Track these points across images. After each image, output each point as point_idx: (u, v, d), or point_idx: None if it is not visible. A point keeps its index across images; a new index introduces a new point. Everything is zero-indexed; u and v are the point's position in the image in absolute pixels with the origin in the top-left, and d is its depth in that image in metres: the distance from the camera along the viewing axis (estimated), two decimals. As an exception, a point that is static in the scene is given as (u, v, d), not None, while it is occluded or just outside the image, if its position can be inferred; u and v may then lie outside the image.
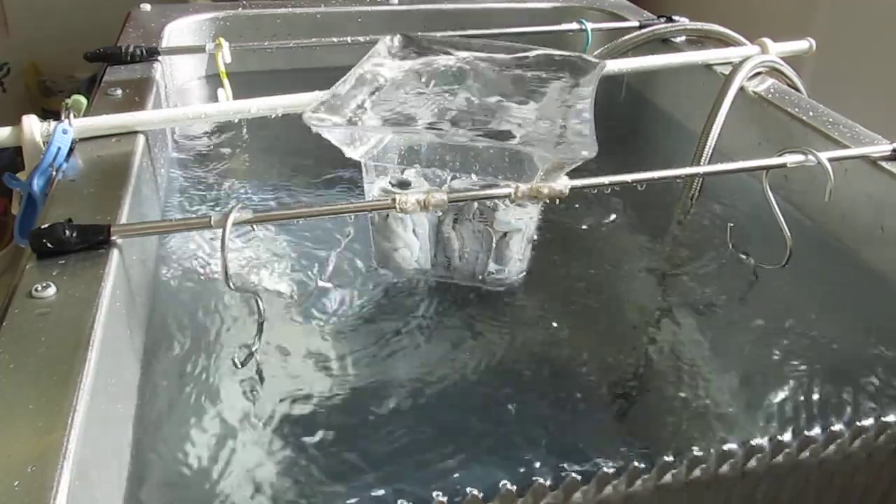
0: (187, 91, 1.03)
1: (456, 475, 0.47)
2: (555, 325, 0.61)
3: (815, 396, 0.55)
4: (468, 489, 0.40)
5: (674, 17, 1.02)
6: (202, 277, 0.64)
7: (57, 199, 0.56)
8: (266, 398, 0.52)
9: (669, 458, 0.42)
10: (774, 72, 0.87)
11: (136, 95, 0.76)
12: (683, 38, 1.00)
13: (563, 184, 0.53)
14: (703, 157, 0.76)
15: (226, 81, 0.87)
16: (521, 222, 0.58)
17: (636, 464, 0.42)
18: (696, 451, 0.43)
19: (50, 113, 0.67)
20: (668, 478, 0.43)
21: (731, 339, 0.61)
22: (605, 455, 0.49)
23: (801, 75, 0.88)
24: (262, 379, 0.53)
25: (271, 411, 0.51)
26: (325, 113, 0.54)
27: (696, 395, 0.55)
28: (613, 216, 0.77)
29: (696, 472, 0.43)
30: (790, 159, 0.61)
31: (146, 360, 0.54)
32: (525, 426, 0.51)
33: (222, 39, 0.89)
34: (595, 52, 0.98)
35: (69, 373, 0.39)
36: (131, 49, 0.85)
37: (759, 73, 0.85)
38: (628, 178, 0.57)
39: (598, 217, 0.77)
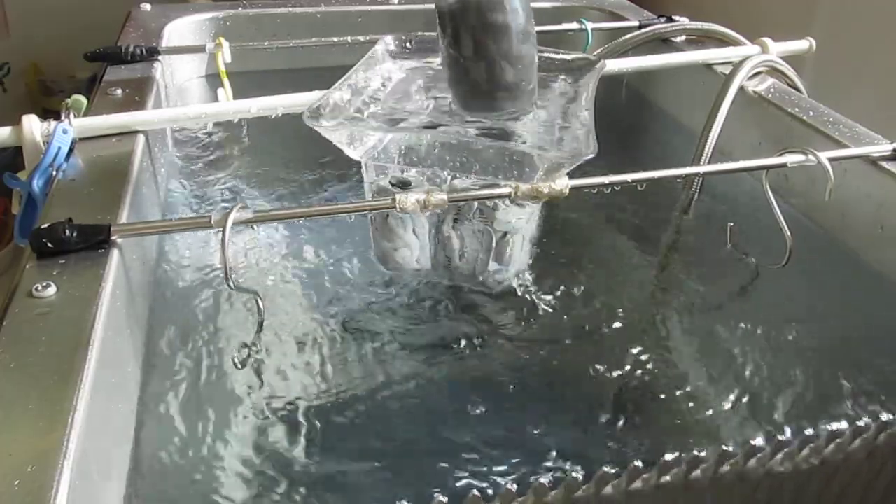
0: (187, 91, 1.03)
1: (456, 474, 0.47)
2: (554, 324, 0.61)
3: (816, 396, 0.55)
4: (469, 489, 0.40)
5: (674, 17, 1.02)
6: (202, 277, 0.63)
7: (57, 199, 0.56)
8: (266, 397, 0.52)
9: (669, 458, 0.42)
10: (774, 71, 0.87)
11: (136, 95, 0.76)
12: (683, 37, 1.00)
13: (563, 184, 0.53)
14: (703, 157, 0.76)
15: (226, 81, 0.87)
16: (521, 222, 0.58)
17: (636, 464, 0.42)
18: (696, 451, 0.43)
19: (50, 113, 0.67)
20: (668, 478, 0.43)
21: (731, 338, 0.61)
22: (606, 455, 0.49)
23: (801, 75, 0.88)
24: (261, 378, 0.53)
25: (271, 411, 0.51)
26: (324, 113, 0.54)
27: (697, 395, 0.55)
28: (613, 216, 0.77)
29: (696, 473, 0.43)
30: (790, 159, 0.61)
31: (146, 359, 0.54)
32: (525, 426, 0.51)
33: (222, 39, 0.89)
34: (595, 52, 0.98)
35: (69, 373, 0.39)
36: (131, 49, 0.85)
37: (759, 73, 0.85)
38: (628, 177, 0.57)
39: (598, 217, 0.77)
